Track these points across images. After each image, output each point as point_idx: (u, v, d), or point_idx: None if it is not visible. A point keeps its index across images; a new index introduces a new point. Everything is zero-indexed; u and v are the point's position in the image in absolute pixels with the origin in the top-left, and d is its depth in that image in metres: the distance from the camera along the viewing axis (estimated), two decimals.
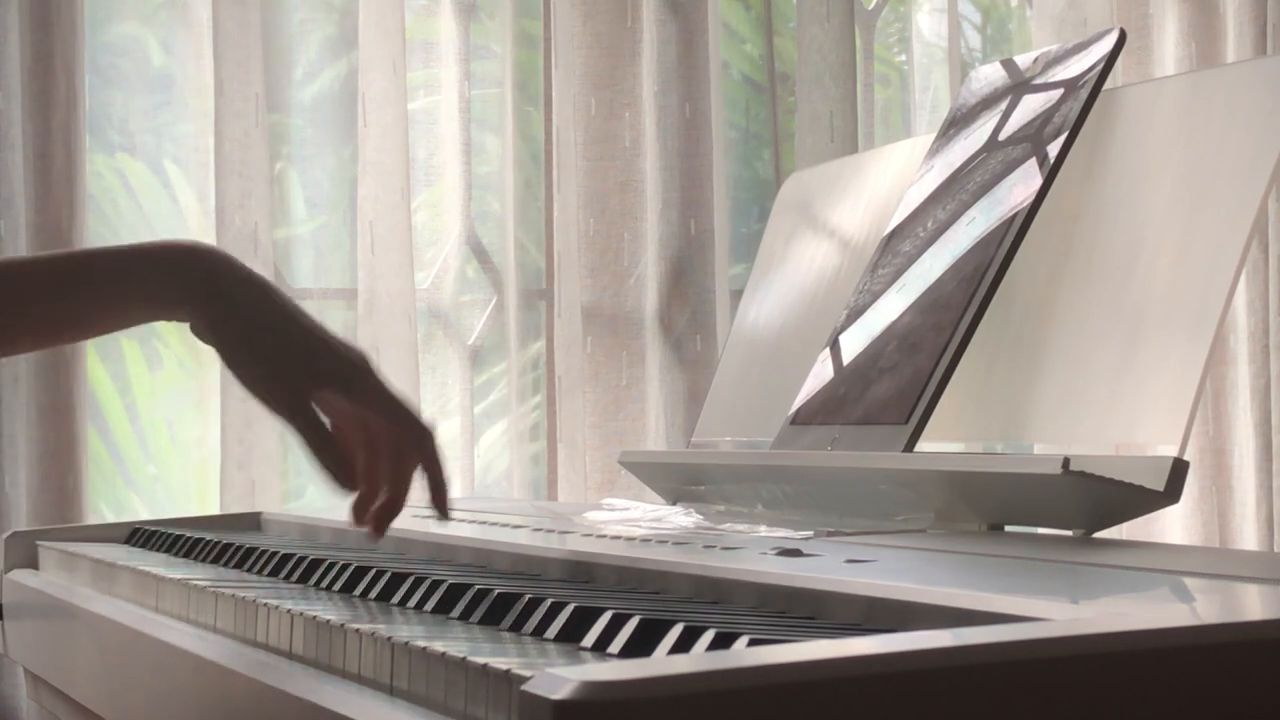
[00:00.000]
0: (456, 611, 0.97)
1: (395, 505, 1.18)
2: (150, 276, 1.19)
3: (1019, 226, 1.32)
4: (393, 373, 2.53)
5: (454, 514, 1.19)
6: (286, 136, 2.62)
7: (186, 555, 1.47)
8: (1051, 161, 1.33)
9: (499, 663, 0.74)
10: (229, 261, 1.22)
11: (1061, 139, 1.33)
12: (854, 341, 1.44)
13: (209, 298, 1.19)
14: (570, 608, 0.87)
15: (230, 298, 1.21)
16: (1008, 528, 1.25)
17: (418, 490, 1.19)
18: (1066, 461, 1.13)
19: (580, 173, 2.68)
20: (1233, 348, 2.84)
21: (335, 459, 1.16)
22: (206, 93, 2.54)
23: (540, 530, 1.30)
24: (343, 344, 1.23)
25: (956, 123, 1.50)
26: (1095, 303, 1.29)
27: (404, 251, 2.55)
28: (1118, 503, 1.16)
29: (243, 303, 1.21)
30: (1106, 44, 1.37)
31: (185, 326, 1.21)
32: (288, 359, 1.20)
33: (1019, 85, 1.45)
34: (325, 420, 1.18)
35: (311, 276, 2.64)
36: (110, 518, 2.51)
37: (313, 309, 2.64)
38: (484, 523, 1.42)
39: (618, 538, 1.27)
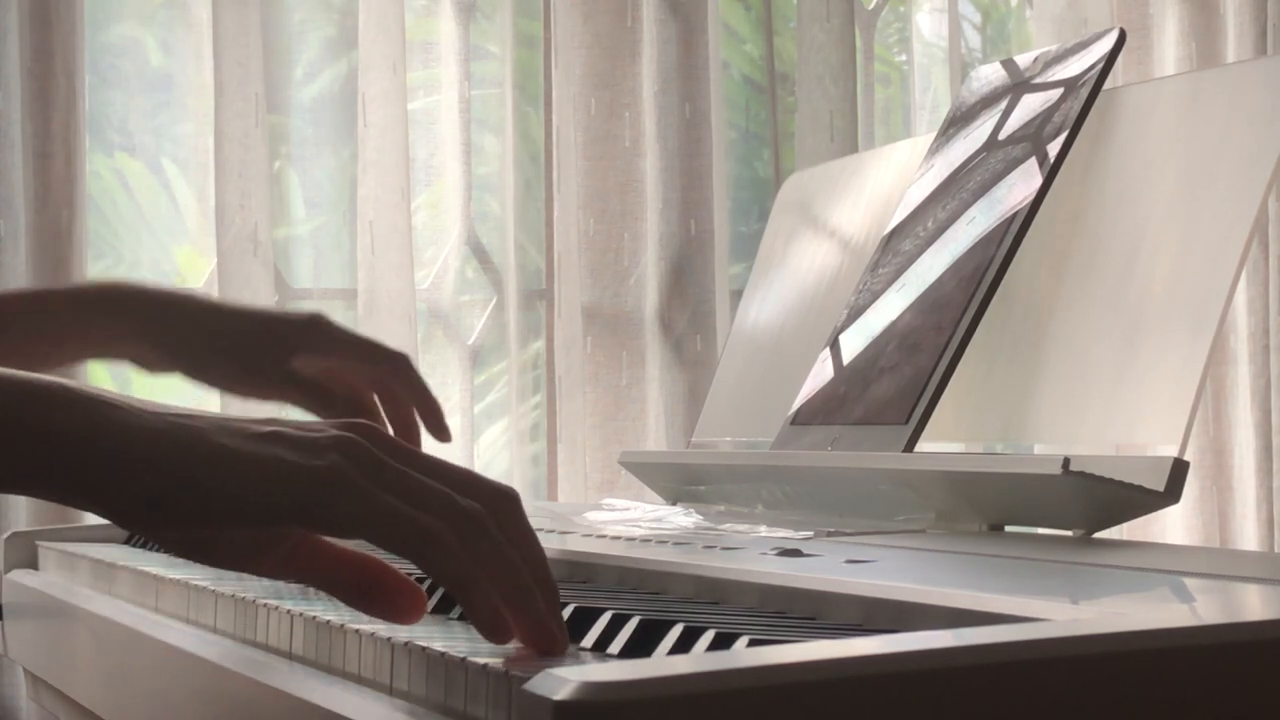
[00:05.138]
0: (456, 612, 0.97)
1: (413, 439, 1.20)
2: (100, 316, 1.20)
3: (1019, 226, 1.32)
4: None
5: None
6: (286, 136, 2.62)
7: None
8: (1051, 161, 1.33)
9: (499, 663, 0.74)
10: (146, 286, 1.22)
11: (1061, 139, 1.33)
12: (854, 341, 1.44)
13: (152, 321, 1.19)
14: (570, 608, 0.87)
15: (167, 315, 1.21)
16: (1008, 528, 1.25)
17: None
18: (1066, 461, 1.13)
19: (580, 173, 2.68)
20: (1233, 348, 2.84)
21: (347, 407, 1.15)
22: (206, 93, 2.54)
23: (540, 530, 1.30)
24: (291, 311, 1.26)
25: (956, 122, 1.50)
26: (1095, 303, 1.29)
27: (404, 251, 2.55)
28: (1118, 503, 1.16)
29: (180, 313, 1.22)
30: (1106, 44, 1.37)
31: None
32: (251, 341, 1.20)
33: (1019, 85, 1.45)
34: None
35: (311, 276, 2.64)
36: None
37: (312, 309, 2.65)
38: None
39: (618, 538, 1.27)
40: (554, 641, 0.80)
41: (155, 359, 1.22)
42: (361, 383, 1.23)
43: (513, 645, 0.81)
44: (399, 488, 0.79)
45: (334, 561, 0.85)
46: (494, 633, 0.79)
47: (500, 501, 0.82)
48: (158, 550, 1.56)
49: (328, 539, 0.85)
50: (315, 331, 1.21)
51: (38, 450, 0.78)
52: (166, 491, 0.79)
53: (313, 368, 1.20)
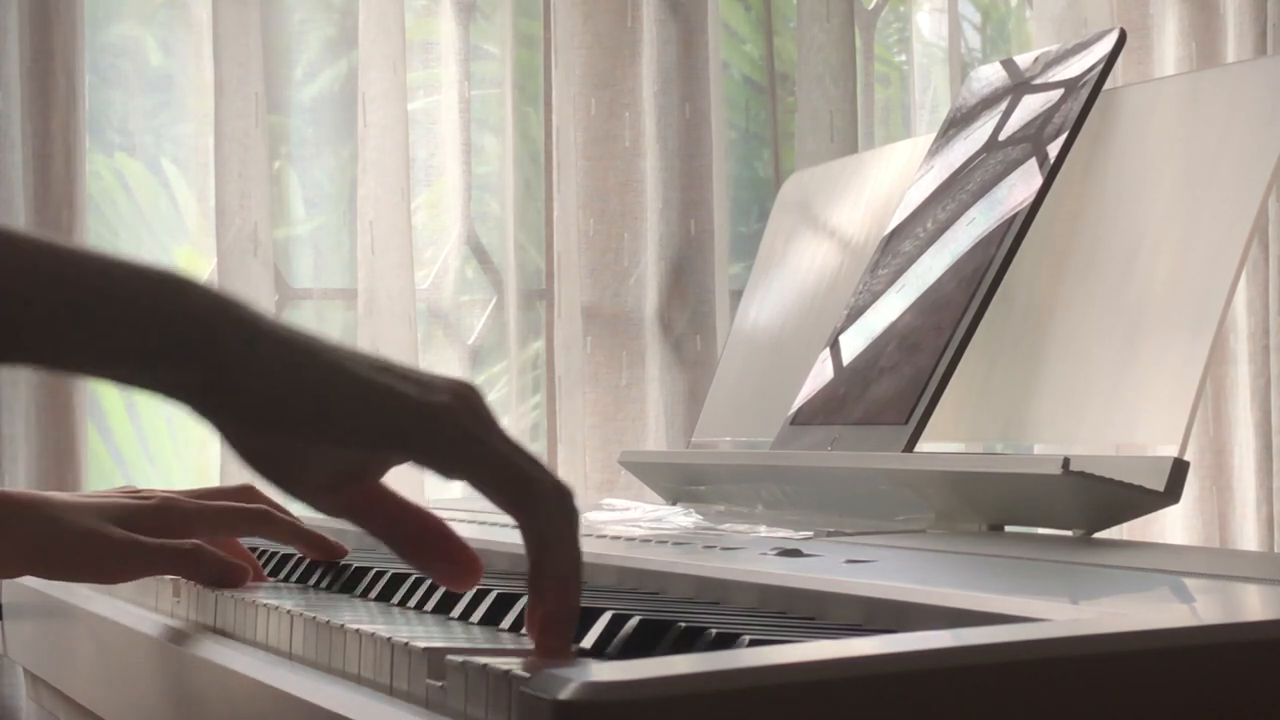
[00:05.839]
0: (456, 611, 0.97)
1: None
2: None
3: (1019, 226, 1.32)
4: None
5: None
6: (286, 136, 2.62)
7: None
8: (1051, 161, 1.33)
9: (499, 663, 0.74)
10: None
11: (1061, 139, 1.33)
12: (854, 341, 1.44)
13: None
14: None
15: (10, 519, 1.08)
16: (1008, 528, 1.25)
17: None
18: (1066, 461, 1.13)
19: (580, 173, 2.68)
20: (1233, 348, 2.84)
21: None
22: (206, 93, 2.54)
23: None
24: (139, 500, 1.13)
25: (956, 123, 1.50)
26: (1095, 303, 1.29)
27: (404, 251, 2.55)
28: (1118, 503, 1.16)
29: (26, 516, 1.10)
30: (1106, 44, 1.37)
31: None
32: (97, 537, 1.10)
33: (1019, 85, 1.45)
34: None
35: (311, 276, 2.64)
36: None
37: (312, 309, 2.66)
38: (484, 523, 1.41)
39: (618, 538, 1.27)
40: (560, 646, 0.80)
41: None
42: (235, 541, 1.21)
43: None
44: (501, 439, 0.80)
45: (400, 512, 0.85)
46: (545, 598, 0.79)
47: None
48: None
49: (396, 494, 0.85)
50: (168, 515, 1.17)
51: (154, 335, 0.78)
52: (282, 396, 0.79)
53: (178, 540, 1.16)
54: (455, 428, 0.79)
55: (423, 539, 0.85)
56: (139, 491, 1.20)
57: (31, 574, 1.17)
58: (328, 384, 0.79)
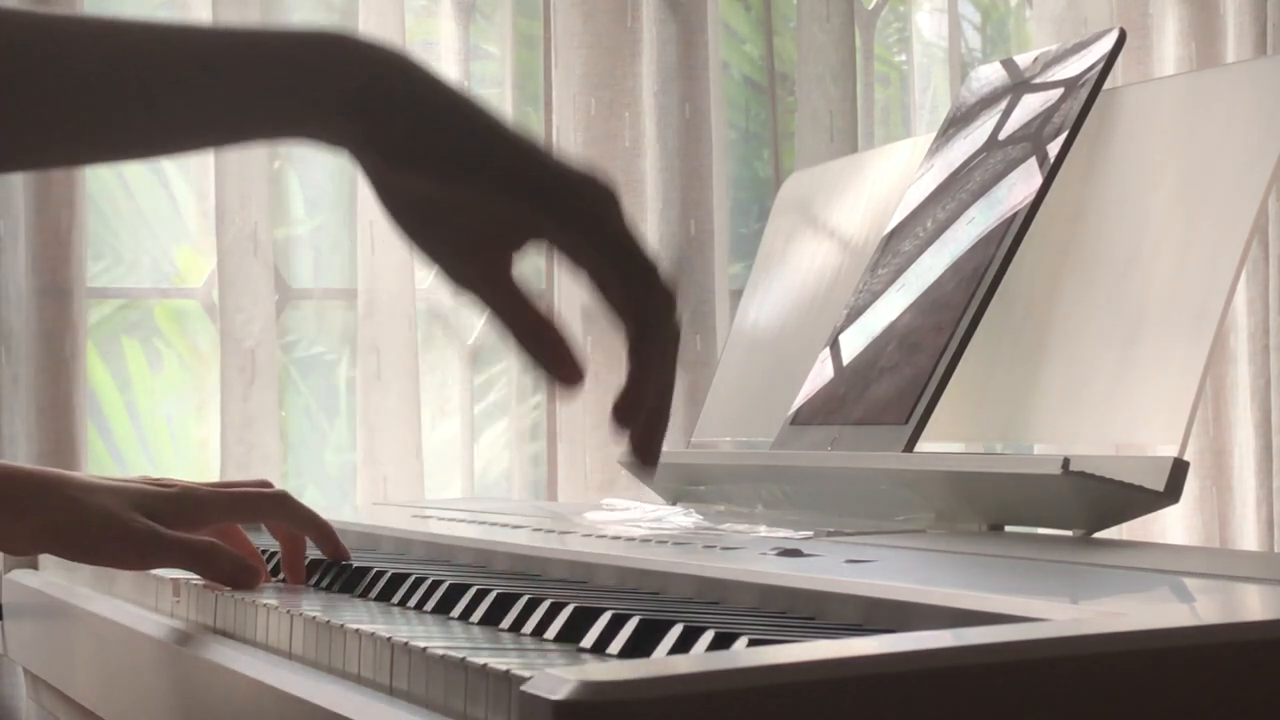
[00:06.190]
0: (456, 611, 0.97)
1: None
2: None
3: (1019, 226, 1.32)
4: (392, 373, 2.53)
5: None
6: None
7: None
8: (1051, 161, 1.33)
9: (499, 663, 0.74)
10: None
11: (1061, 139, 1.33)
12: (854, 341, 1.44)
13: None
14: (570, 608, 0.87)
15: (34, 495, 1.11)
16: (1008, 528, 1.25)
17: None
18: (1066, 462, 1.13)
19: None
20: (1233, 348, 2.84)
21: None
22: None
23: (540, 530, 1.30)
24: (159, 488, 1.16)
25: (956, 122, 1.50)
26: (1095, 303, 1.29)
27: (404, 251, 2.55)
28: (1118, 503, 1.16)
29: (46, 493, 1.12)
30: (1106, 44, 1.37)
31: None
32: (120, 521, 1.13)
33: (1019, 85, 1.45)
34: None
35: (311, 277, 2.64)
36: None
37: (312, 309, 2.66)
38: (484, 523, 1.42)
39: (618, 538, 1.27)
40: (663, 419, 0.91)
41: (18, 539, 1.16)
42: (247, 535, 1.22)
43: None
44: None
45: (525, 302, 0.86)
46: (650, 365, 0.90)
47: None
48: None
49: (526, 289, 0.87)
50: (186, 501, 1.17)
51: (326, 87, 0.81)
52: (439, 136, 0.81)
53: (196, 533, 1.17)
54: (603, 201, 0.82)
55: (540, 332, 0.87)
56: (159, 481, 1.20)
57: (48, 552, 1.18)
58: (485, 131, 0.82)
